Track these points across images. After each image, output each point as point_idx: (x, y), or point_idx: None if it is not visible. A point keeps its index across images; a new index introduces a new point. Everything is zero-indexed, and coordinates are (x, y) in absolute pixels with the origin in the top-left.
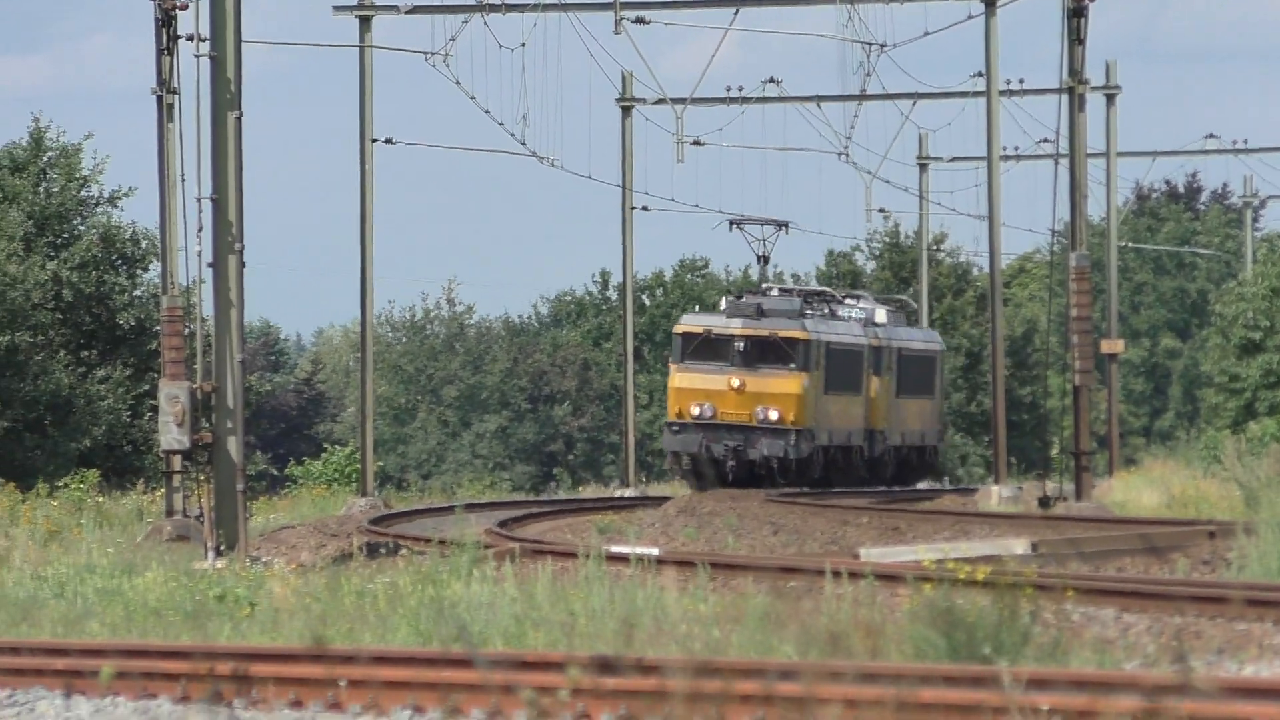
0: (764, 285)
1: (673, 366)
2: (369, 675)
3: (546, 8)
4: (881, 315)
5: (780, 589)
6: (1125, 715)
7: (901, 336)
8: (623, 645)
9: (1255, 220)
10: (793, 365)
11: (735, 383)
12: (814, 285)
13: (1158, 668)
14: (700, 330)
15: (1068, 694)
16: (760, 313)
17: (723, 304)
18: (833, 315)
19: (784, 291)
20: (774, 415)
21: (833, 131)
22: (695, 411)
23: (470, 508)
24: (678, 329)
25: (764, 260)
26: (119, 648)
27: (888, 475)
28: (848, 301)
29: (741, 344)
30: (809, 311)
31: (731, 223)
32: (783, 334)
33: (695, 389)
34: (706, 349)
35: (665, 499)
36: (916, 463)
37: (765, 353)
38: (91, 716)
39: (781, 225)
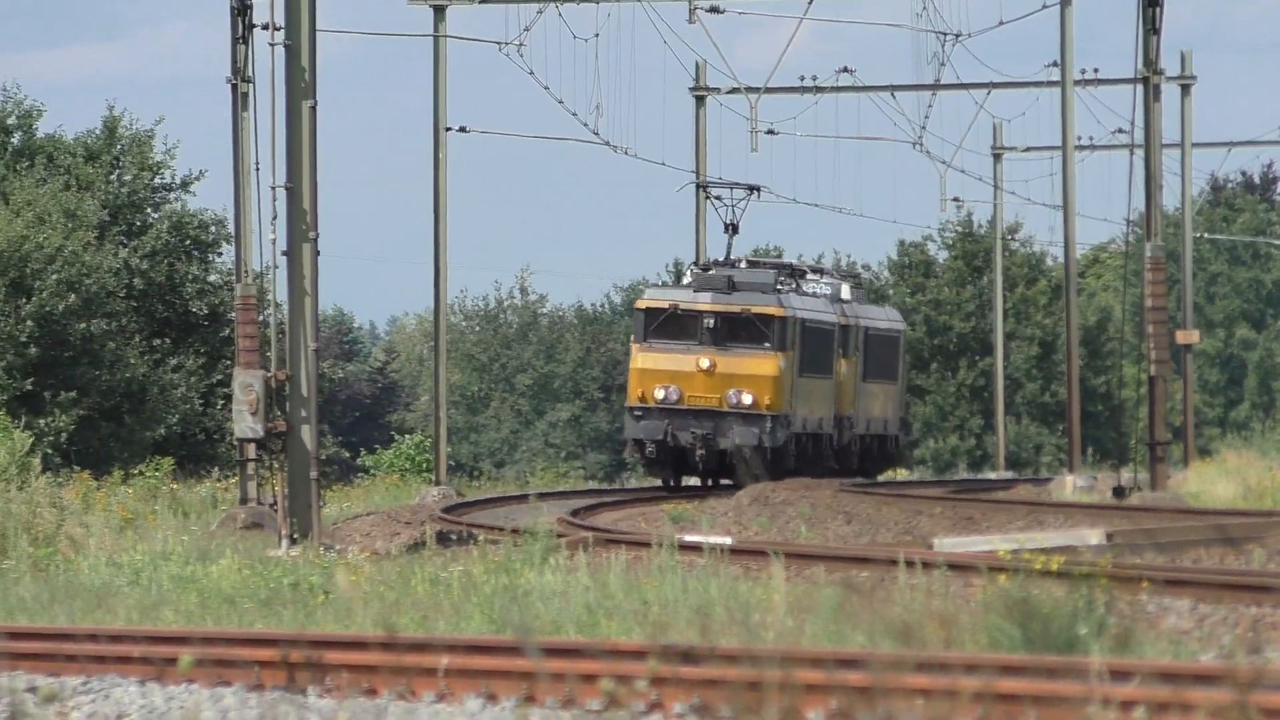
0: (732, 257)
1: (635, 346)
2: (443, 664)
3: None
4: (846, 291)
5: (853, 579)
6: (1206, 707)
7: (867, 315)
8: (696, 634)
9: None
10: (767, 345)
11: (704, 363)
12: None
13: (1234, 659)
14: (665, 305)
15: (1147, 685)
16: (731, 286)
17: (687, 276)
18: (800, 290)
19: (752, 264)
20: (747, 399)
21: (907, 121)
22: (660, 395)
23: (543, 496)
24: (640, 304)
25: (733, 229)
26: (193, 635)
27: (854, 466)
28: (810, 276)
29: (711, 321)
30: (781, 285)
31: (698, 186)
32: (756, 310)
33: (660, 370)
34: (672, 326)
35: (738, 488)
36: (879, 453)
37: (737, 330)
38: (166, 704)
39: (753, 190)
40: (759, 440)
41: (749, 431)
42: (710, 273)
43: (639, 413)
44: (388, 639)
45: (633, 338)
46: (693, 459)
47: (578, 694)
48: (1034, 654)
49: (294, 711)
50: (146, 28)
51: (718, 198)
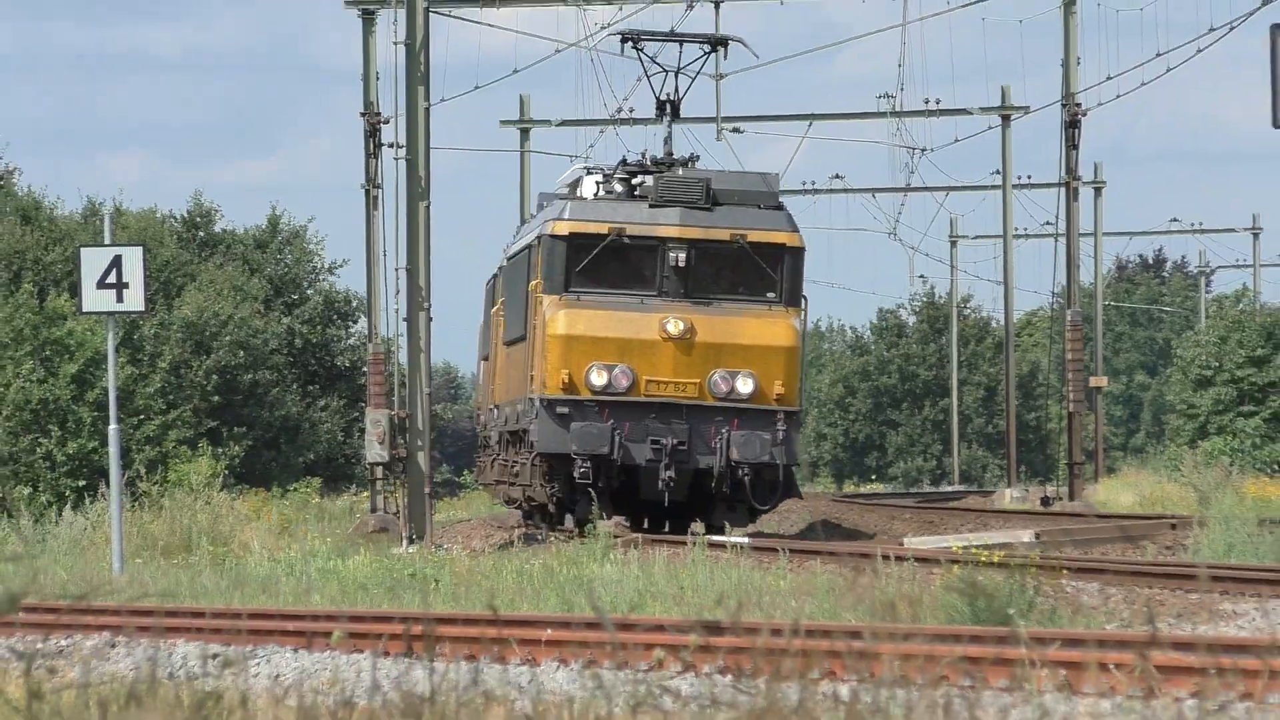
0: (666, 154)
1: (547, 299)
2: (530, 635)
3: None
4: None
5: (843, 569)
6: (1109, 665)
7: None
8: (721, 612)
9: (1207, 285)
10: (771, 296)
11: (674, 327)
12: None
13: (1132, 628)
14: (603, 230)
15: (1065, 649)
16: (710, 197)
17: (602, 182)
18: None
19: (669, 162)
20: (747, 387)
21: (884, 215)
22: (599, 380)
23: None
24: (557, 227)
25: (672, 110)
26: (334, 614)
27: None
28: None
29: (682, 254)
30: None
31: (624, 38)
32: (757, 237)
33: (599, 338)
34: (615, 265)
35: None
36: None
37: (725, 272)
38: (314, 665)
39: (717, 45)
40: (769, 454)
41: (755, 440)
42: (676, 173)
43: (563, 409)
44: (492, 617)
45: (539, 283)
46: (652, 486)
47: (631, 659)
48: (981, 626)
49: (417, 669)
50: (298, 144)
51: (652, 58)
